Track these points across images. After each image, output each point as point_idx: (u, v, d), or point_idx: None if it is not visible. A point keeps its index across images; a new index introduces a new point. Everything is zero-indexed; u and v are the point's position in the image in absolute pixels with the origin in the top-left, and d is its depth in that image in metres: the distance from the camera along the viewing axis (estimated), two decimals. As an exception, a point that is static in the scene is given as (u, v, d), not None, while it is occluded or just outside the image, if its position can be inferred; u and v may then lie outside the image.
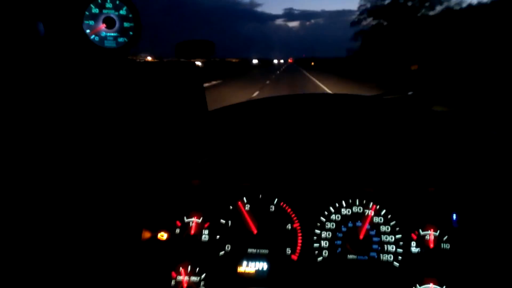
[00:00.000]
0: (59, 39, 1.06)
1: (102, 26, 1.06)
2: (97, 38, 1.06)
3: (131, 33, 1.07)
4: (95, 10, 1.06)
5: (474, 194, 1.07)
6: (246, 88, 18.29)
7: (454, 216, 1.08)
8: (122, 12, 1.06)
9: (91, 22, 1.06)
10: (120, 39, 1.07)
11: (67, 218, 1.00)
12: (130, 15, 1.07)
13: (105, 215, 1.03)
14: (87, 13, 1.06)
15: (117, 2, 1.06)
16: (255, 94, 16.24)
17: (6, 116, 0.96)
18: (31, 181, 0.97)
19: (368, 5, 43.37)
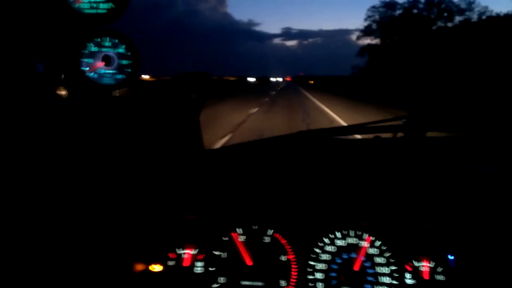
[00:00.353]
0: (57, 76, 1.09)
1: (101, 64, 1.09)
2: (95, 76, 1.09)
3: (129, 70, 1.11)
4: (94, 49, 1.10)
5: (469, 231, 1.07)
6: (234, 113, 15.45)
7: (451, 257, 1.07)
8: (121, 50, 1.10)
9: (90, 60, 1.09)
10: (118, 76, 1.10)
11: (59, 247, 1.00)
12: (129, 53, 1.10)
13: (97, 246, 1.04)
14: (85, 51, 1.10)
15: (116, 40, 1.10)
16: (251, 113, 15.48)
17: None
18: (27, 204, 0.98)
19: (377, 16, 40.00)
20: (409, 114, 1.54)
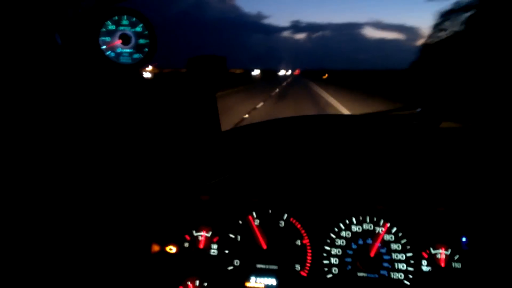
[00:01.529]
0: (75, 52, 1.08)
1: (118, 42, 1.08)
2: (112, 54, 1.08)
3: (146, 49, 1.09)
4: (111, 27, 1.08)
5: (484, 215, 1.06)
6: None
7: (464, 239, 1.07)
8: (138, 29, 1.09)
9: (107, 38, 1.08)
10: (136, 55, 1.09)
11: (78, 231, 1.01)
12: (146, 32, 1.09)
13: (115, 228, 1.04)
14: (103, 29, 1.08)
15: (133, 19, 1.09)
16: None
17: (17, 124, 0.98)
18: (45, 193, 0.99)
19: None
20: (424, 103, 1.51)
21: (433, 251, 1.08)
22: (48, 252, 0.97)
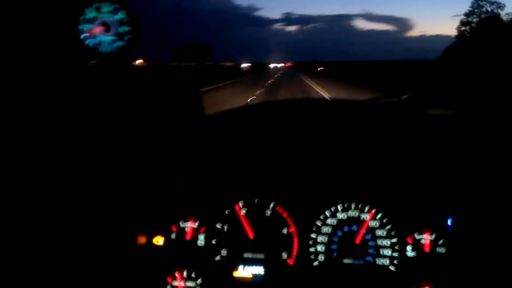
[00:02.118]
0: (54, 41, 1.05)
1: (98, 30, 1.05)
2: (92, 43, 1.06)
3: (129, 36, 1.07)
4: (92, 14, 1.06)
5: (468, 198, 1.07)
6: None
7: (449, 222, 1.09)
8: (120, 16, 1.06)
9: (87, 26, 1.05)
10: (117, 43, 1.07)
11: (63, 222, 0.99)
12: (129, 19, 1.06)
13: (100, 220, 1.03)
14: (83, 17, 1.06)
15: (116, 5, 1.06)
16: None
17: (5, 117, 0.95)
18: (28, 184, 0.97)
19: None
20: (410, 91, 1.52)
21: (417, 237, 1.09)
22: (32, 244, 0.96)
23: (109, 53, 1.06)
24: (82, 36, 1.05)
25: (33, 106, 1.00)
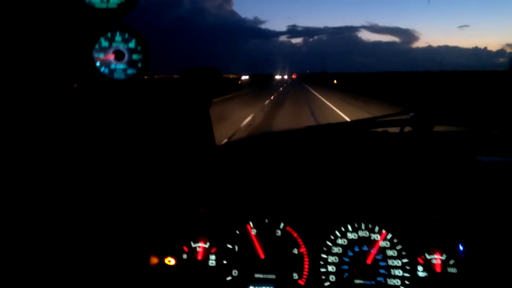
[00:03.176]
0: (69, 71, 1.10)
1: (111, 58, 1.10)
2: (106, 70, 1.10)
3: (139, 64, 1.11)
4: (105, 43, 1.10)
5: (480, 221, 1.07)
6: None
7: (461, 247, 1.08)
8: (131, 45, 1.10)
9: (101, 55, 1.10)
10: (129, 71, 1.11)
11: (76, 241, 1.01)
12: (139, 48, 1.11)
13: (113, 241, 1.05)
14: (97, 46, 1.10)
15: (126, 35, 1.10)
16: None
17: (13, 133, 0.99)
18: (41, 202, 0.99)
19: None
20: (416, 108, 1.53)
21: (428, 257, 1.09)
22: (45, 262, 0.98)
23: (122, 80, 1.10)
24: (97, 64, 1.09)
25: (50, 132, 1.04)
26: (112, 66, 1.10)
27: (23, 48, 1.01)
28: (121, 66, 1.10)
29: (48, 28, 1.05)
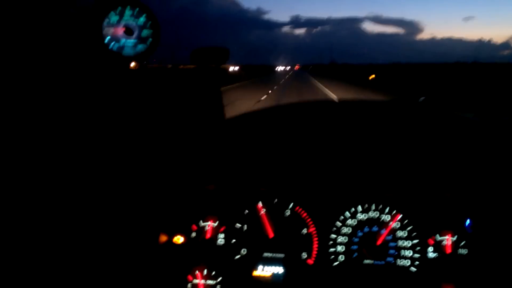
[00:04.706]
0: (78, 45, 1.08)
1: (121, 33, 1.08)
2: (116, 46, 1.08)
3: (150, 40, 1.09)
4: (114, 18, 1.08)
5: (489, 199, 1.06)
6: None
7: (468, 222, 1.07)
8: (142, 19, 1.08)
9: (111, 30, 1.08)
10: (139, 47, 1.09)
11: (86, 223, 1.01)
12: (149, 23, 1.09)
13: (123, 219, 1.05)
14: (106, 21, 1.08)
15: (136, 10, 1.08)
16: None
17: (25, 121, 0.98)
18: (51, 186, 0.99)
19: None
20: (426, 93, 1.51)
21: (439, 238, 1.08)
22: (57, 243, 0.98)
23: (132, 56, 1.09)
24: (106, 40, 1.07)
25: (59, 108, 1.03)
26: (122, 42, 1.08)
27: (32, 25, 1.00)
28: (130, 41, 1.09)
29: (58, 5, 1.03)
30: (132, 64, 1.19)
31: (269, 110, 1.13)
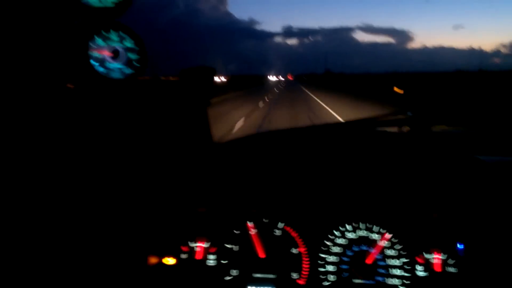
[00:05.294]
0: (65, 70, 1.08)
1: (108, 57, 1.08)
2: (103, 70, 1.08)
3: (138, 64, 1.10)
4: (101, 43, 1.08)
5: (478, 219, 1.07)
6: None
7: (460, 246, 1.08)
8: (128, 44, 1.09)
9: (98, 55, 1.08)
10: (127, 71, 1.09)
11: (75, 244, 1.00)
12: (136, 48, 1.09)
13: (112, 241, 1.04)
14: (92, 45, 1.08)
15: (121, 33, 1.09)
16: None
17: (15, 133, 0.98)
18: (40, 201, 0.98)
19: None
20: (413, 108, 1.54)
21: (427, 256, 1.09)
22: (46, 262, 0.97)
23: (121, 80, 1.09)
24: (94, 63, 1.08)
25: (48, 131, 1.03)
26: (109, 65, 1.08)
27: (19, 48, 1.00)
28: (117, 65, 1.09)
29: (44, 27, 1.04)
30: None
31: (257, 133, 1.14)
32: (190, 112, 1.22)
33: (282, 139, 1.14)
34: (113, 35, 1.10)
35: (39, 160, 1.00)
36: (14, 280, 0.93)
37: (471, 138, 1.42)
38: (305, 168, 1.14)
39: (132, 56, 1.09)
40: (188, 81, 1.29)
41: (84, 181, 1.05)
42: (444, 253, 1.08)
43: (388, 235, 1.10)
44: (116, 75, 1.09)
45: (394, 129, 1.26)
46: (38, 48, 1.03)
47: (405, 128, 1.36)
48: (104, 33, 1.09)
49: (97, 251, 1.01)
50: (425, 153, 1.15)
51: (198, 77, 1.29)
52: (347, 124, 1.16)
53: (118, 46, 1.09)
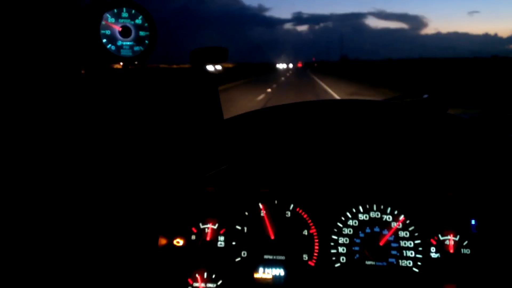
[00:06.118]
0: (77, 46, 1.08)
1: (118, 34, 1.07)
2: (113, 47, 1.08)
3: (146, 42, 1.08)
4: (111, 20, 1.07)
5: (492, 198, 1.04)
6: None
7: (473, 222, 1.06)
8: (138, 21, 1.08)
9: (107, 32, 1.07)
10: (136, 48, 1.08)
11: (84, 226, 1.01)
12: (146, 24, 1.08)
13: (121, 223, 1.04)
14: (103, 22, 1.07)
15: (133, 11, 1.08)
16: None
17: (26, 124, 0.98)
18: (48, 188, 0.99)
19: None
20: (430, 91, 1.49)
21: (441, 238, 1.07)
22: (54, 246, 0.98)
23: (129, 57, 1.08)
24: (104, 41, 1.07)
25: (58, 109, 1.02)
26: (119, 43, 1.07)
27: (29, 31, 0.99)
28: (127, 43, 1.08)
29: (55, 7, 1.02)
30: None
31: (269, 110, 1.12)
32: (200, 91, 1.21)
33: (294, 116, 1.11)
34: (123, 12, 1.08)
35: (47, 148, 1.00)
36: (21, 257, 0.94)
37: (488, 120, 1.37)
38: (317, 147, 1.12)
39: (142, 33, 1.08)
40: (200, 61, 1.27)
41: (93, 162, 1.05)
42: (458, 234, 1.06)
43: (402, 217, 1.08)
44: (126, 52, 1.08)
45: (409, 110, 1.22)
46: (49, 29, 1.03)
47: (421, 109, 1.32)
48: (114, 10, 1.07)
49: (106, 233, 1.02)
50: (439, 133, 1.12)
51: (210, 57, 1.27)
52: (362, 102, 1.12)
53: (128, 23, 1.08)
